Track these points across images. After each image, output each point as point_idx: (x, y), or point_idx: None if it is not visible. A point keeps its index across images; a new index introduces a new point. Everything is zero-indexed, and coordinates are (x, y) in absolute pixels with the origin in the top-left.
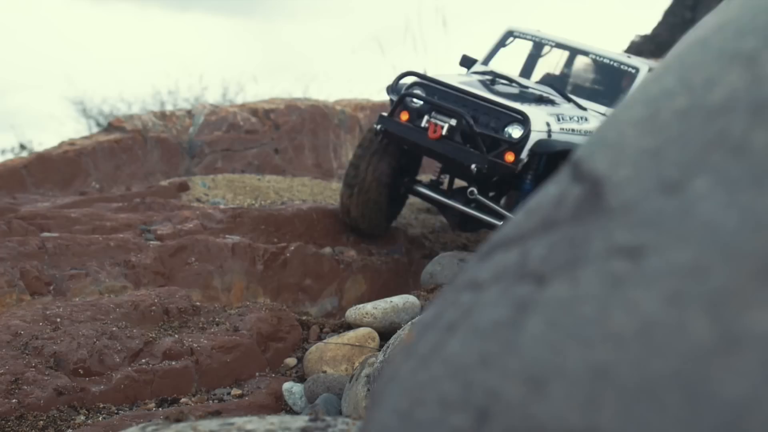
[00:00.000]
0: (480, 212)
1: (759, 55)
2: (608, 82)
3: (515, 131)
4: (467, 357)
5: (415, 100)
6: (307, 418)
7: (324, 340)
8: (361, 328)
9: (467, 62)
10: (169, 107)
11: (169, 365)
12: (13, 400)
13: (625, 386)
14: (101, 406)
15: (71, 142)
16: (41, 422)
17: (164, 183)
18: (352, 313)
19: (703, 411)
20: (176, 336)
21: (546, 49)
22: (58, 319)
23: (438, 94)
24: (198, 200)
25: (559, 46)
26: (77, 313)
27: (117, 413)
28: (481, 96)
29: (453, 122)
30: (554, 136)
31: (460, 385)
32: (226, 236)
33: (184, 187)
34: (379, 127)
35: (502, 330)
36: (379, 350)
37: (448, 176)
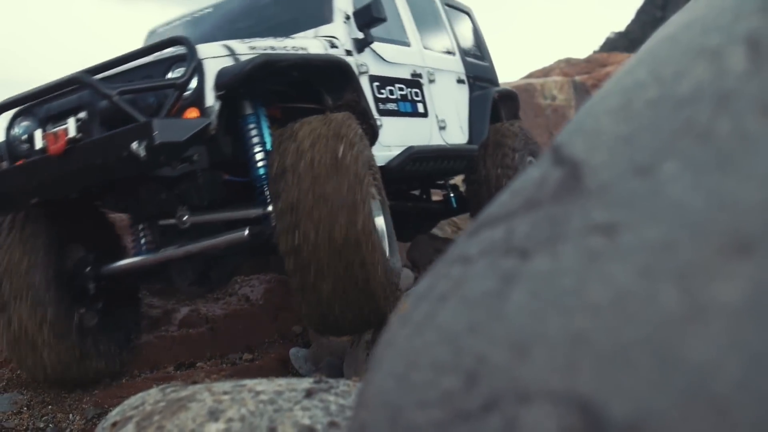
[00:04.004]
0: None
1: (723, 50)
2: (306, 3)
3: (179, 71)
4: (457, 325)
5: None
6: (312, 380)
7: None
8: None
9: None
10: None
11: (186, 332)
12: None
13: (601, 351)
14: (125, 369)
15: None
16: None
17: None
18: None
19: (672, 374)
20: (193, 305)
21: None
22: None
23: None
24: None
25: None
26: None
27: (139, 376)
28: (111, 61)
29: (80, 115)
30: (245, 59)
31: (450, 351)
32: None
33: None
34: None
35: (489, 300)
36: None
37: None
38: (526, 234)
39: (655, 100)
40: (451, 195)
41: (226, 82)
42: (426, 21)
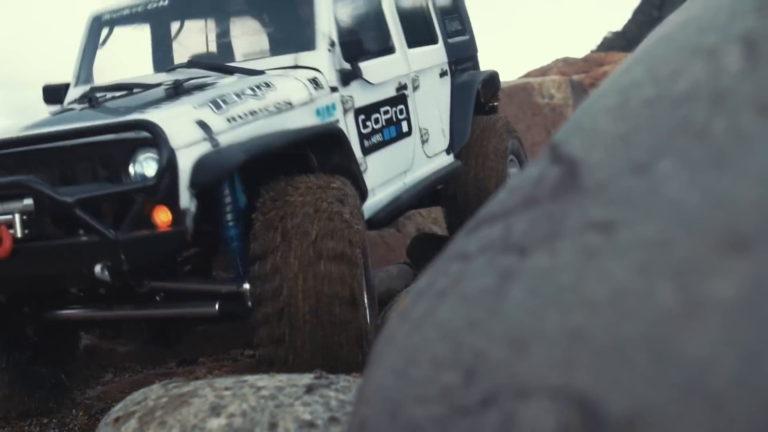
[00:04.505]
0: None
1: (719, 49)
2: (285, 18)
3: (147, 164)
4: (456, 321)
5: None
6: (312, 376)
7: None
8: None
9: (53, 94)
10: None
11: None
12: None
13: (599, 347)
14: (127, 365)
15: None
16: (75, 379)
17: None
18: None
19: (669, 370)
20: None
21: (175, 26)
22: None
23: None
24: None
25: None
26: None
27: (141, 372)
28: (61, 132)
29: (26, 206)
30: (224, 138)
31: (450, 347)
32: None
33: None
34: None
35: (488, 297)
36: (378, 315)
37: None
38: (525, 231)
39: (652, 99)
40: None
41: (204, 180)
42: (407, 6)
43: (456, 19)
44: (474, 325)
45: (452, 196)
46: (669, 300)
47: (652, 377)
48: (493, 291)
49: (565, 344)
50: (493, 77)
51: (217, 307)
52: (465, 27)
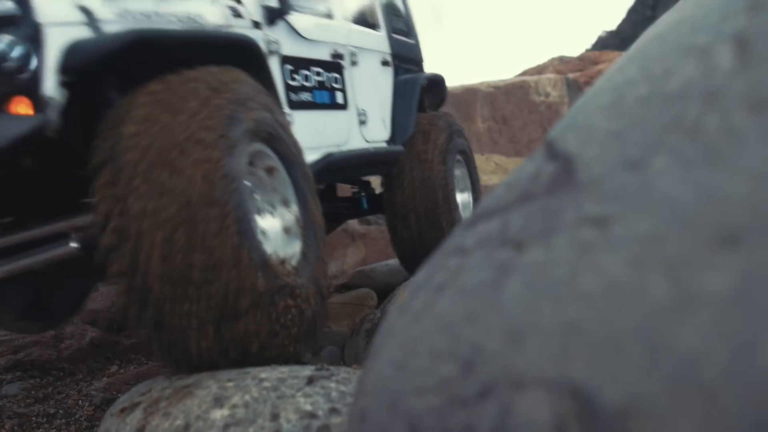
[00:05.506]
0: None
1: (711, 48)
2: None
3: (3, 40)
4: (454, 314)
5: None
6: (313, 367)
7: (328, 299)
8: (361, 289)
9: None
10: None
11: None
12: (55, 352)
13: (593, 339)
14: (132, 357)
15: None
16: (82, 371)
17: None
18: (353, 275)
19: (662, 361)
20: None
21: None
22: None
23: None
24: None
25: None
26: None
27: (146, 363)
28: None
29: None
30: (109, 29)
31: (448, 339)
32: None
33: None
34: None
35: (485, 290)
36: (377, 308)
37: None
38: (521, 226)
39: (646, 96)
40: (362, 194)
41: (77, 63)
42: None
43: (402, 21)
44: (471, 318)
45: (394, 200)
46: (662, 293)
47: (646, 368)
48: (490, 285)
49: (561, 336)
50: (438, 82)
51: (73, 243)
52: (410, 31)
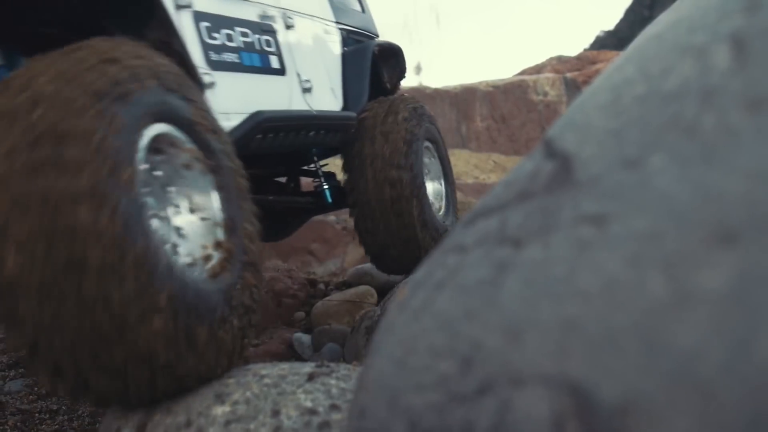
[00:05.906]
0: None
1: (708, 48)
2: None
3: None
4: (453, 311)
5: None
6: (314, 364)
7: (329, 297)
8: (361, 286)
9: None
10: None
11: None
12: None
13: (591, 337)
14: None
15: None
16: None
17: None
18: (354, 272)
19: (659, 358)
20: None
21: None
22: None
23: None
24: None
25: None
26: None
27: None
28: None
29: None
30: None
31: (447, 336)
32: None
33: None
34: None
35: (484, 288)
36: (377, 305)
37: None
38: (520, 224)
39: (643, 95)
40: (325, 186)
41: None
42: None
43: None
44: (470, 315)
45: (355, 191)
46: (659, 291)
47: (644, 365)
48: (489, 282)
49: (559, 334)
50: (396, 52)
51: None
52: (362, 6)
